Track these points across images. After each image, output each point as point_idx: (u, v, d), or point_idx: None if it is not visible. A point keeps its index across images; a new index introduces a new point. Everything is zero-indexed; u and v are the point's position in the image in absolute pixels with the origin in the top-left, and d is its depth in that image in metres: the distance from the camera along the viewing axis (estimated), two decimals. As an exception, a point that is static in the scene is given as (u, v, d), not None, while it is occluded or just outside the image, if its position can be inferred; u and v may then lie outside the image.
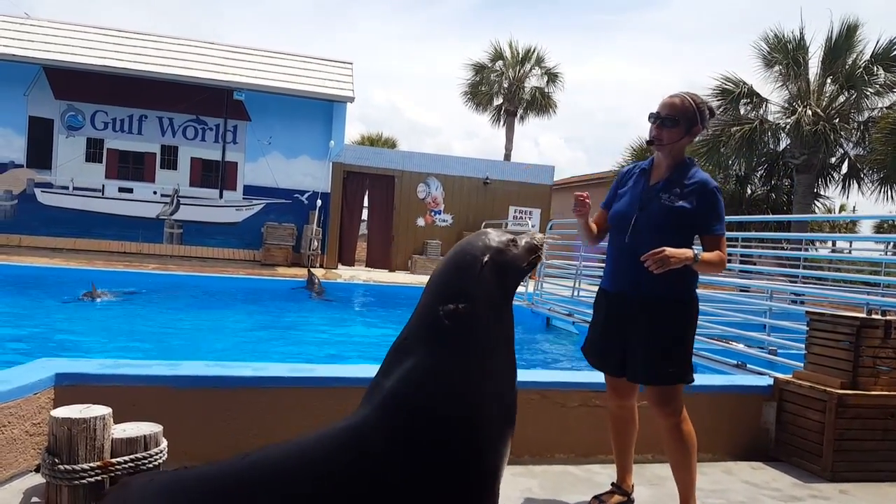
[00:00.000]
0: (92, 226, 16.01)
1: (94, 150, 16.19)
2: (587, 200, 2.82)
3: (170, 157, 16.56)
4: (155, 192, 16.51)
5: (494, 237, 2.17)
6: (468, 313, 1.98)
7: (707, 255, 2.72)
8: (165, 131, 16.50)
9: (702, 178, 2.81)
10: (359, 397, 3.43)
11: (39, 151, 15.88)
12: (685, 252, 2.61)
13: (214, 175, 16.79)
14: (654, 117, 2.84)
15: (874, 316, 4.10)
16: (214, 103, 16.45)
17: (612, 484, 3.16)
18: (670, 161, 2.87)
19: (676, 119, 2.78)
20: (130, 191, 16.38)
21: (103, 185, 16.26)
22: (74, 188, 16.07)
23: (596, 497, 3.13)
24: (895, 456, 3.93)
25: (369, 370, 3.66)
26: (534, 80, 27.04)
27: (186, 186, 16.65)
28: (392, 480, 1.84)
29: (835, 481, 3.77)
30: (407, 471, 1.85)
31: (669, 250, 2.56)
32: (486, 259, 2.07)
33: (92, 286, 9.42)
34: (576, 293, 9.20)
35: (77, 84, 15.75)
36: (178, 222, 16.53)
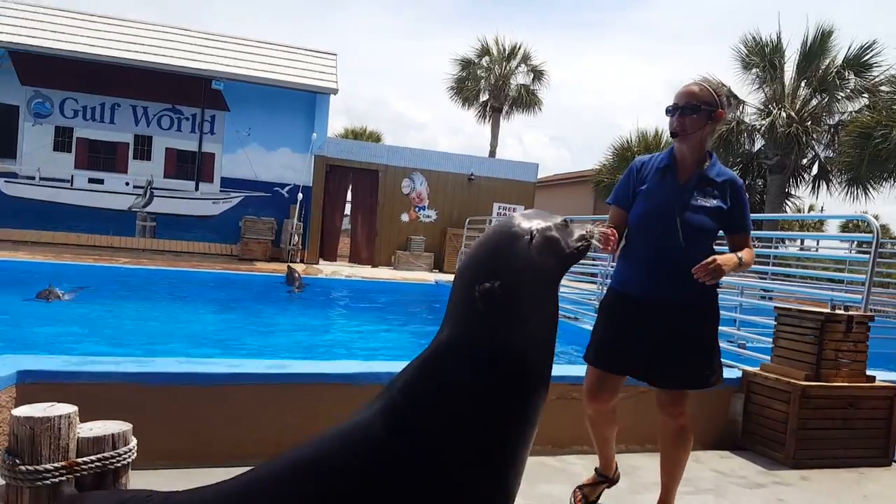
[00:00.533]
0: (60, 218, 15.44)
1: (62, 139, 15.60)
2: (613, 238, 2.45)
3: (143, 148, 16.09)
4: (127, 184, 16.00)
5: (543, 217, 2.00)
6: (506, 292, 1.80)
7: (747, 257, 2.70)
8: (139, 120, 16.03)
9: (730, 175, 2.78)
10: (335, 394, 3.51)
11: (3, 140, 15.22)
12: (732, 258, 2.61)
13: (190, 166, 16.38)
14: (673, 109, 2.73)
15: (837, 311, 4.28)
16: (191, 92, 16.02)
17: (596, 470, 3.17)
18: (696, 155, 2.75)
19: (697, 106, 2.67)
20: (101, 182, 15.84)
21: (72, 176, 15.68)
22: (41, 178, 15.45)
23: (579, 488, 3.14)
24: (853, 444, 4.13)
25: (347, 366, 3.70)
26: (520, 77, 27.15)
27: (161, 178, 16.19)
28: (403, 471, 1.76)
29: (797, 468, 3.95)
30: (420, 460, 1.76)
31: (720, 259, 2.52)
32: (533, 234, 1.89)
33: (49, 285, 8.87)
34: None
35: (45, 69, 15.12)
36: (151, 215, 16.06)
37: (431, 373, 1.86)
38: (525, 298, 1.85)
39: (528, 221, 1.94)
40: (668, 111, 2.74)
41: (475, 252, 1.96)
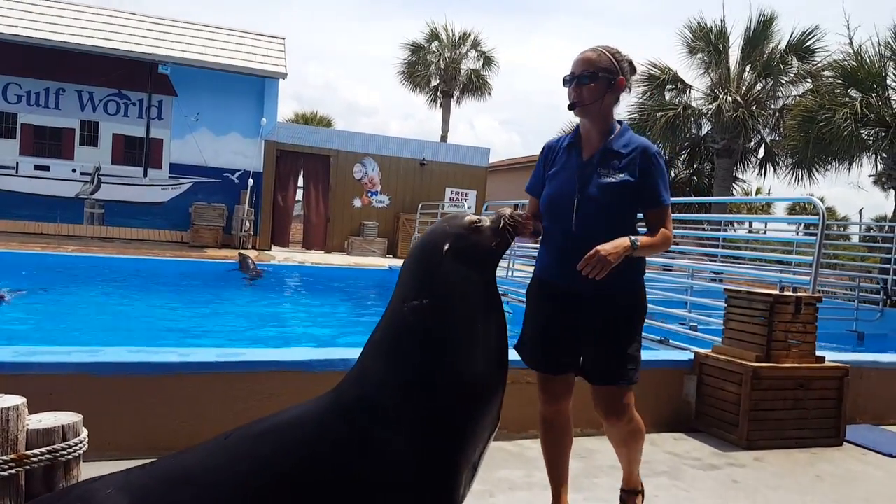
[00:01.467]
0: (5, 206, 15.11)
1: (6, 125, 15.28)
2: (529, 225, 2.35)
3: (90, 133, 15.78)
4: (74, 170, 15.73)
5: (454, 223, 2.08)
6: (431, 308, 1.93)
7: (647, 239, 2.42)
8: (85, 106, 15.72)
9: (640, 143, 2.50)
10: (289, 381, 3.50)
11: (-57, 126, 14.84)
12: (621, 243, 2.31)
13: (138, 152, 16.11)
14: (569, 79, 2.49)
15: (786, 293, 4.36)
16: (138, 77, 15.73)
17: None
18: (601, 126, 2.52)
19: (594, 73, 2.44)
20: (47, 168, 15.55)
21: (17, 163, 15.38)
22: None
23: None
24: (804, 424, 4.23)
25: (300, 353, 3.69)
26: (470, 63, 27.18)
27: (108, 164, 15.92)
28: (350, 468, 1.83)
29: (750, 449, 4.03)
30: (365, 464, 1.83)
31: (603, 249, 2.27)
32: (445, 249, 1.99)
33: None
34: (510, 273, 9.37)
35: None
36: (99, 202, 15.78)
37: (372, 371, 1.96)
38: (453, 310, 1.95)
39: (439, 235, 2.03)
40: (564, 81, 2.51)
41: (404, 267, 2.08)
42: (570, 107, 2.52)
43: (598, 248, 2.27)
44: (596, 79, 2.45)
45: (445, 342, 1.94)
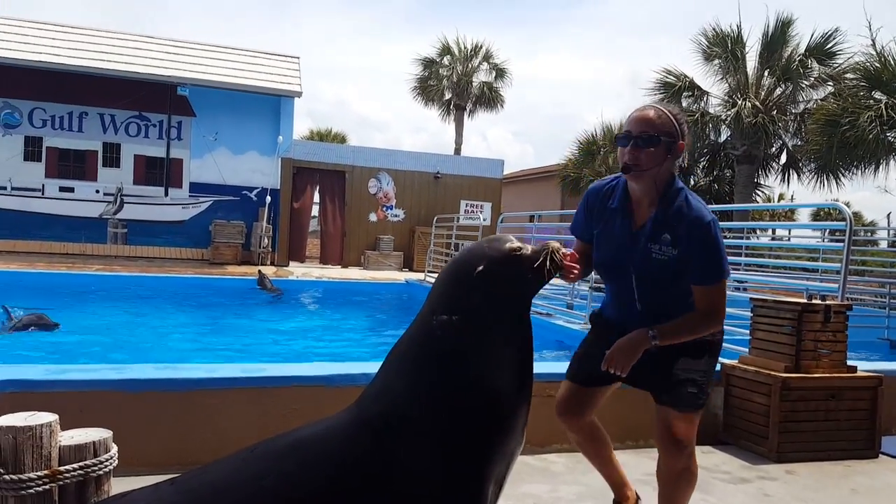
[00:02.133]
0: (31, 227, 15.46)
1: (32, 149, 15.66)
2: (575, 268, 2.16)
3: (112, 155, 16.10)
4: (97, 191, 16.04)
5: (494, 246, 2.02)
6: (460, 325, 1.91)
7: (671, 327, 2.27)
8: (107, 128, 16.04)
9: (694, 215, 2.29)
10: (311, 396, 3.51)
11: (-27, 151, 15.26)
12: (638, 338, 2.24)
13: (159, 172, 16.39)
14: (625, 138, 2.30)
15: (814, 301, 4.25)
16: (158, 99, 15.99)
17: (614, 502, 2.80)
18: (654, 194, 2.33)
19: (655, 137, 2.25)
20: (72, 190, 15.88)
21: (43, 185, 15.74)
22: (12, 188, 15.53)
23: None
24: (836, 436, 4.09)
25: (322, 368, 3.70)
26: (482, 76, 27.25)
27: (130, 184, 16.21)
28: (374, 483, 1.83)
29: (781, 462, 3.91)
30: (388, 479, 1.83)
31: (620, 347, 2.25)
32: (479, 270, 1.95)
33: (5, 309, 7.81)
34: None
35: (12, 80, 15.17)
36: (122, 222, 16.06)
37: (395, 383, 1.96)
38: (482, 330, 1.93)
39: (478, 255, 1.98)
40: (618, 140, 2.33)
41: (437, 282, 2.07)
42: (625, 170, 2.31)
43: (615, 346, 2.26)
44: (657, 143, 2.26)
45: (472, 359, 1.92)
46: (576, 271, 2.15)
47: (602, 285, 2.84)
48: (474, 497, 1.88)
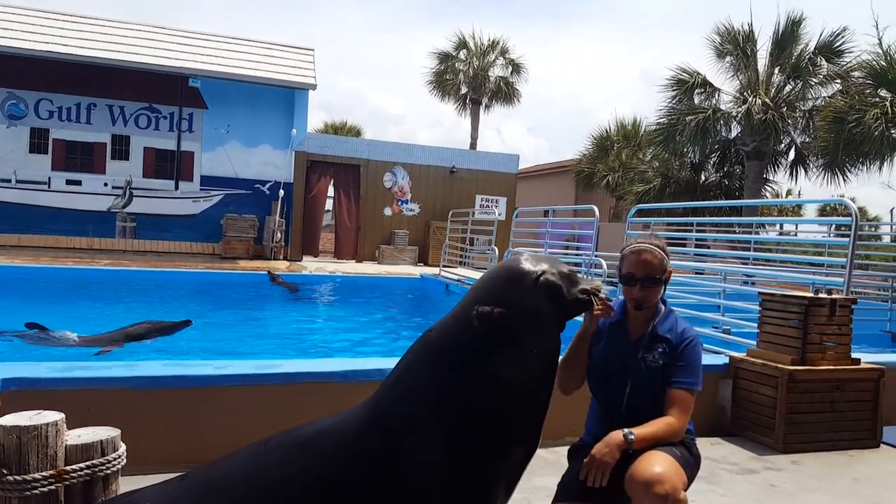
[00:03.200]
0: (38, 221, 15.20)
1: (38, 141, 15.38)
2: (611, 309, 2.45)
3: (121, 147, 15.92)
4: (106, 184, 15.83)
5: (553, 262, 2.18)
6: (502, 319, 1.95)
7: (644, 431, 2.37)
8: (116, 120, 15.85)
9: (681, 328, 2.61)
10: (326, 392, 3.52)
11: (-23, 143, 15.03)
12: (613, 440, 2.33)
13: (169, 165, 16.25)
14: (629, 279, 2.59)
15: (821, 295, 4.33)
16: (168, 90, 15.84)
17: None
18: (650, 313, 2.64)
19: (658, 279, 2.58)
20: (79, 183, 15.66)
21: (49, 178, 15.48)
22: (17, 181, 15.24)
23: None
24: (840, 426, 4.20)
25: (336, 364, 3.71)
26: (498, 70, 27.13)
27: (139, 177, 16.04)
28: (387, 478, 1.84)
29: (787, 453, 4.01)
30: (404, 469, 1.85)
31: (597, 451, 2.32)
32: (539, 276, 2.07)
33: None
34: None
35: (19, 70, 14.89)
36: (131, 215, 15.91)
37: (414, 379, 1.98)
38: (519, 332, 1.99)
39: (536, 264, 2.12)
40: (624, 280, 2.61)
41: (484, 279, 2.15)
42: (637, 307, 2.60)
43: (593, 451, 2.34)
44: (659, 283, 2.60)
45: (504, 360, 1.96)
46: (611, 310, 2.44)
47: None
48: (481, 497, 1.92)
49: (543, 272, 2.09)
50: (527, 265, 2.10)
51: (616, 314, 2.64)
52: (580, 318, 2.54)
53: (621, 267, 2.64)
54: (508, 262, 2.17)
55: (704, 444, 4.13)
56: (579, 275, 2.26)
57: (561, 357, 2.51)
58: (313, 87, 16.21)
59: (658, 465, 2.28)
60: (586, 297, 2.20)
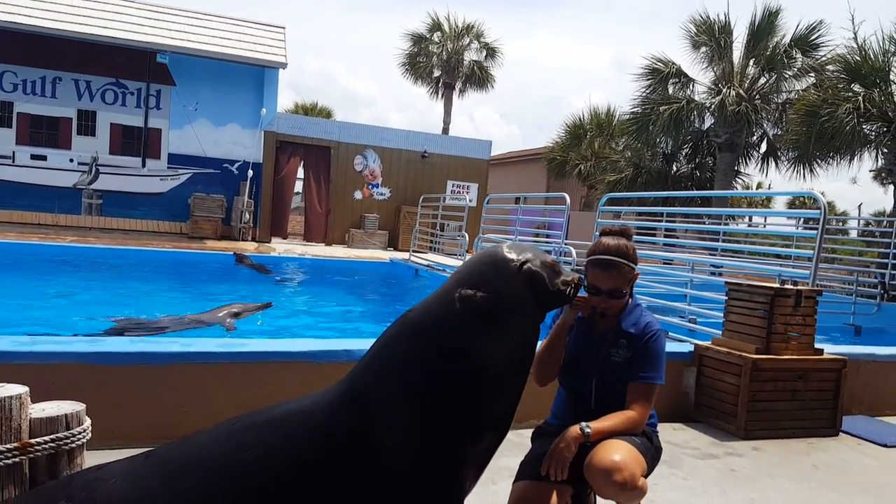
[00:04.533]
0: (2, 196, 14.97)
1: (2, 114, 15.13)
2: (589, 309, 2.51)
3: (87, 123, 15.67)
4: (71, 160, 15.61)
5: (538, 253, 2.19)
6: (484, 303, 1.97)
7: (601, 424, 2.36)
8: (82, 95, 15.58)
9: (644, 323, 2.56)
10: (293, 371, 3.49)
11: (-63, 115, 14.69)
12: (571, 434, 2.32)
13: (136, 142, 16.02)
14: (594, 291, 2.52)
15: (787, 286, 4.36)
16: (136, 66, 15.58)
17: None
18: (616, 309, 2.61)
19: (623, 292, 2.52)
20: (44, 158, 15.43)
21: (13, 152, 15.24)
22: None
23: None
24: (802, 415, 4.23)
25: (303, 344, 3.67)
26: (472, 54, 27.02)
27: (106, 154, 15.82)
28: (359, 457, 1.83)
29: (748, 439, 4.03)
30: (372, 449, 1.84)
31: (555, 450, 2.31)
32: (523, 263, 2.09)
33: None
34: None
35: None
36: (97, 192, 15.68)
37: (391, 359, 1.96)
38: (500, 318, 2.00)
39: (521, 253, 2.14)
40: (588, 289, 2.53)
41: (468, 263, 2.17)
42: (602, 315, 2.56)
43: (552, 446, 2.32)
44: (624, 296, 2.54)
45: (482, 343, 1.95)
46: (589, 310, 2.50)
47: None
48: (450, 479, 1.92)
49: (528, 261, 2.11)
50: (512, 253, 2.12)
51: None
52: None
53: (587, 274, 2.57)
54: (493, 248, 2.18)
55: (667, 430, 4.14)
56: (563, 266, 2.25)
57: (538, 349, 2.50)
58: (284, 65, 16.03)
59: (617, 452, 2.26)
60: (568, 289, 2.21)
